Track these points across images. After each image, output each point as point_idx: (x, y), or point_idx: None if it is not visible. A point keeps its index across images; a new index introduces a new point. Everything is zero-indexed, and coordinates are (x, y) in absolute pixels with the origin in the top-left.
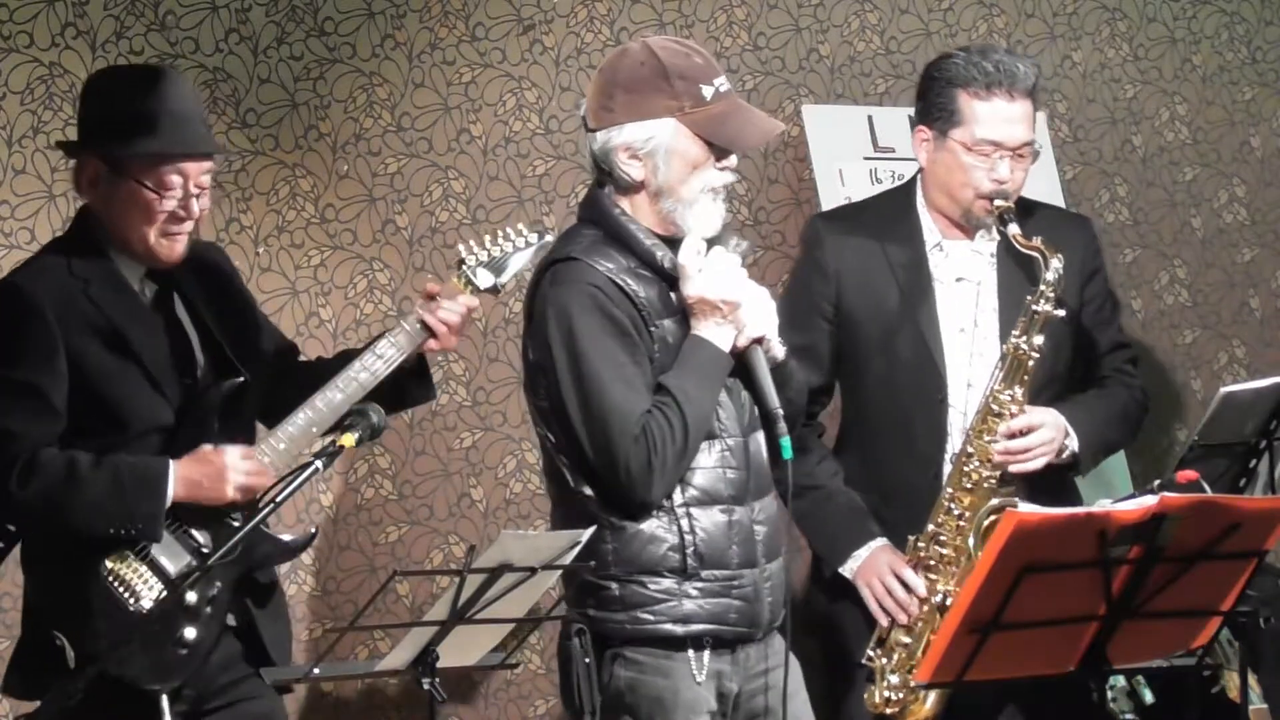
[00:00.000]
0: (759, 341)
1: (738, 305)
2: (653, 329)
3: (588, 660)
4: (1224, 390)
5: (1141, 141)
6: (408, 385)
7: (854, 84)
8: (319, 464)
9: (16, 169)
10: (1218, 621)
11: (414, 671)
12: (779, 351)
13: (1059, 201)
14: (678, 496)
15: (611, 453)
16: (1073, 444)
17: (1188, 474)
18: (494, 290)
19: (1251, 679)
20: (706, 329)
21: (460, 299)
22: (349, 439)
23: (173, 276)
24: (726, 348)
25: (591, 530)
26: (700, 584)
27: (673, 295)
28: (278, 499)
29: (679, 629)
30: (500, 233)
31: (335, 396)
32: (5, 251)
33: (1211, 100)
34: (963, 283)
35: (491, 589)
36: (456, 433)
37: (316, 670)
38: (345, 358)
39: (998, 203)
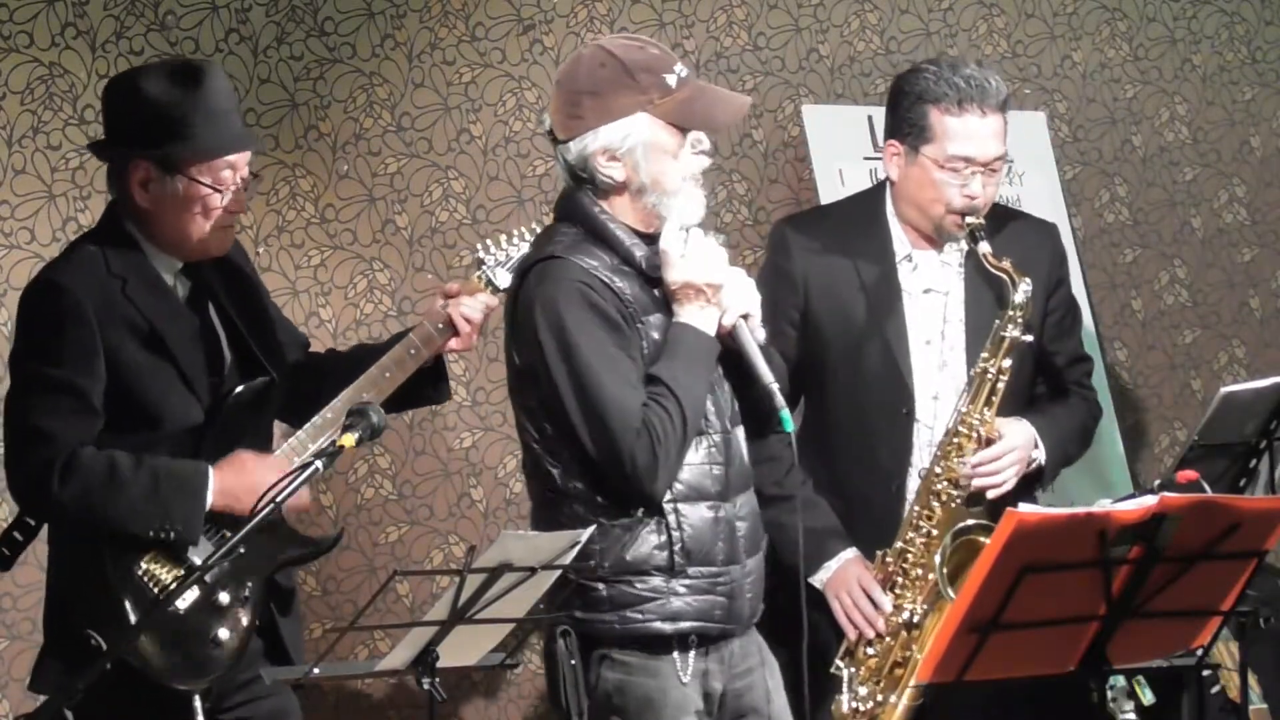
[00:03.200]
0: (745, 318)
1: (720, 287)
2: (639, 325)
3: (573, 661)
4: (1224, 390)
5: (1141, 141)
6: (424, 386)
7: (854, 84)
8: (319, 464)
9: (16, 169)
10: (1218, 621)
11: (414, 671)
12: (760, 333)
13: (1059, 201)
14: (665, 493)
15: (615, 448)
16: (1040, 456)
17: (1188, 474)
18: None
19: (1251, 679)
20: (690, 314)
21: (480, 296)
22: (349, 439)
23: (203, 273)
24: (712, 332)
25: (591, 530)
26: (687, 581)
27: (656, 292)
28: (278, 498)
29: (668, 627)
30: (515, 232)
31: (364, 397)
32: (5, 251)
33: (1211, 100)
34: (930, 294)
35: (491, 589)
36: (456, 433)
37: (316, 670)
38: (361, 352)
39: (969, 220)
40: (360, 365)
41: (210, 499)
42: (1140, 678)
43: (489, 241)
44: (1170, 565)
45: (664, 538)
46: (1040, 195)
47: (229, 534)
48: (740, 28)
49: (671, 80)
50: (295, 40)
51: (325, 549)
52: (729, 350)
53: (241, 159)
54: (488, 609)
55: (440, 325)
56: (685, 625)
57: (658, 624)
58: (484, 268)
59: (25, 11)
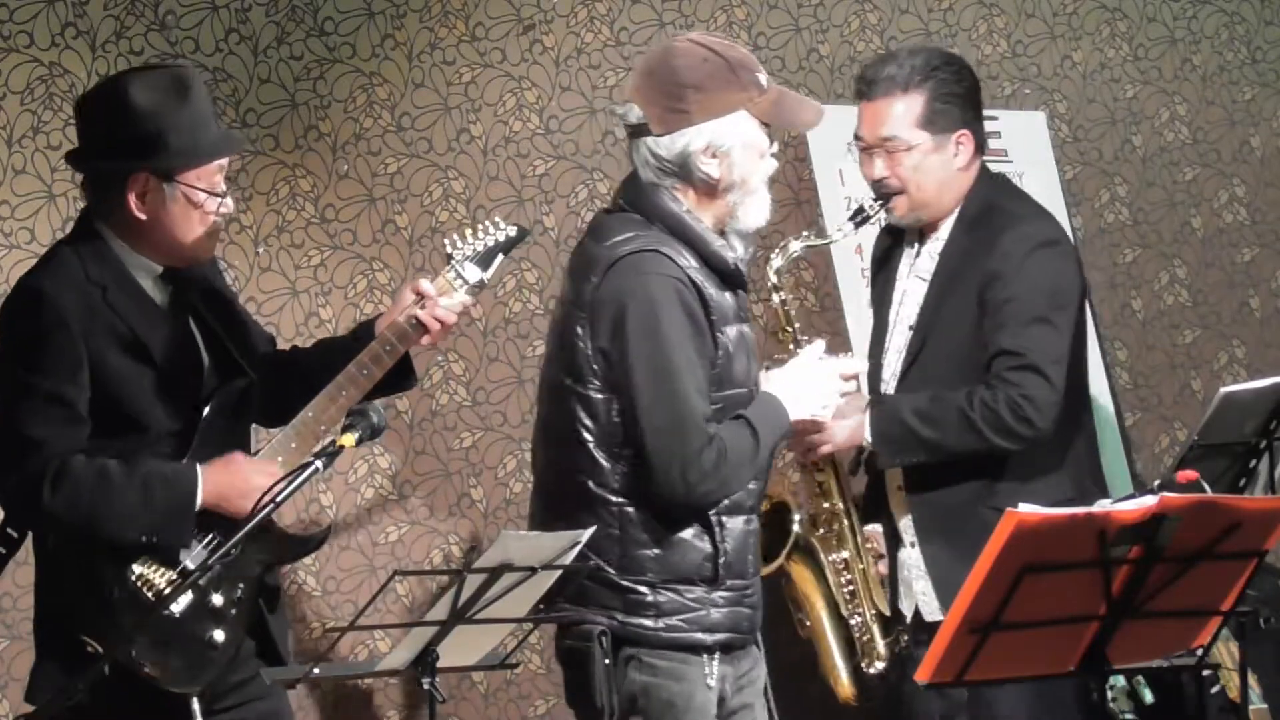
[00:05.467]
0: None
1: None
2: (719, 335)
3: (607, 661)
4: (1224, 390)
5: (1141, 141)
6: (392, 376)
7: (854, 84)
8: (319, 464)
9: (16, 169)
10: (1218, 621)
11: (414, 671)
12: None
13: (1059, 201)
14: (708, 509)
15: (683, 443)
16: (866, 434)
17: (1188, 474)
18: (480, 284)
19: (1251, 679)
20: (790, 402)
21: (455, 297)
22: (349, 439)
23: (179, 278)
24: (792, 419)
25: (592, 530)
26: (724, 593)
27: (730, 298)
28: (278, 499)
29: (706, 637)
30: (481, 226)
31: (343, 394)
32: (5, 251)
33: (1211, 100)
34: (923, 281)
35: (491, 589)
36: (456, 433)
37: (316, 670)
38: (328, 346)
39: (860, 199)
40: (328, 361)
41: (200, 499)
42: (1140, 678)
43: (456, 236)
44: (1170, 565)
45: (710, 549)
46: (1040, 195)
47: (219, 536)
48: (740, 28)
49: (763, 79)
50: (295, 40)
51: (314, 546)
52: None
53: (226, 163)
54: (488, 609)
55: (414, 322)
56: (720, 636)
57: (698, 634)
58: (453, 263)
59: (25, 11)
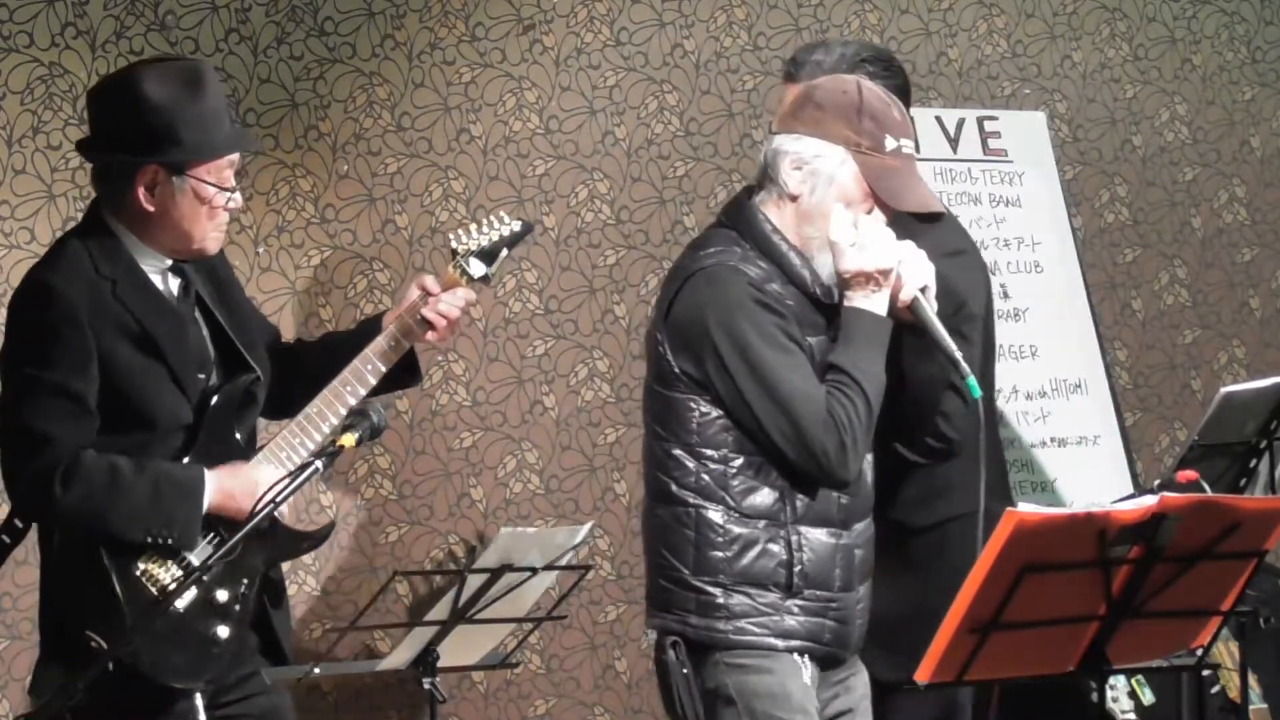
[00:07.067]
0: (922, 291)
1: (890, 272)
2: (805, 343)
3: (685, 671)
4: (1224, 390)
5: (1141, 141)
6: (397, 372)
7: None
8: (319, 464)
9: (16, 169)
10: (1218, 621)
11: (414, 671)
12: (934, 304)
13: (1059, 201)
14: (789, 514)
15: (805, 440)
16: None
17: (1188, 474)
18: (485, 279)
19: (1251, 679)
20: (861, 299)
21: (459, 292)
22: (349, 439)
23: (187, 272)
24: (884, 312)
25: (589, 527)
26: (802, 602)
27: (819, 316)
28: (278, 499)
29: (780, 643)
30: (485, 220)
31: (347, 394)
32: (5, 251)
33: (1211, 100)
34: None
35: (492, 589)
36: (456, 433)
37: (316, 670)
38: (332, 340)
39: None
40: (333, 355)
41: (208, 502)
42: (1140, 678)
43: (460, 231)
44: (1170, 565)
45: (785, 557)
46: (1040, 195)
47: (225, 533)
48: (740, 28)
49: (890, 144)
50: (295, 40)
51: (317, 541)
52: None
53: (236, 159)
54: (488, 609)
55: (419, 318)
56: (796, 644)
57: (771, 639)
58: (458, 258)
59: (25, 11)
